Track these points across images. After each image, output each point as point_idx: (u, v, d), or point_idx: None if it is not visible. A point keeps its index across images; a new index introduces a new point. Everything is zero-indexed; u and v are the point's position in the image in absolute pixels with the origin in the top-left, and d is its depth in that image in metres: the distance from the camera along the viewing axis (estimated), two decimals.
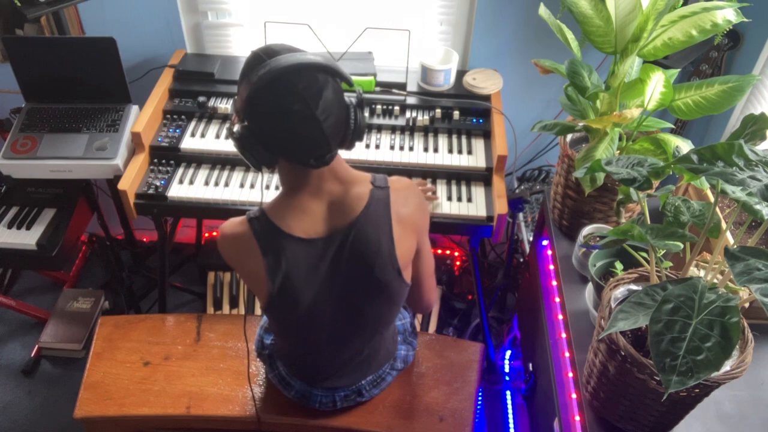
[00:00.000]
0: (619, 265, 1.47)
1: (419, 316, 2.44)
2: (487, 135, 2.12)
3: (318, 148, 1.23)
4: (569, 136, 1.74)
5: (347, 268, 1.35)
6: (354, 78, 2.06)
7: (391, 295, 1.41)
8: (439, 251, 2.78)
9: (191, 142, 2.05)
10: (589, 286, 1.54)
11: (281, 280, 1.33)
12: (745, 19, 1.39)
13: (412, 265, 1.45)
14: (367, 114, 2.10)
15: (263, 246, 1.31)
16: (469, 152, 2.07)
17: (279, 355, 1.62)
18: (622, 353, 1.15)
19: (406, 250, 1.38)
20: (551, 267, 1.77)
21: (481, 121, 2.14)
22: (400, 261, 1.36)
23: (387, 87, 2.15)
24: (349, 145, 1.30)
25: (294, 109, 1.17)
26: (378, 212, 1.33)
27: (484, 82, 2.20)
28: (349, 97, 1.27)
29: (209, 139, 2.07)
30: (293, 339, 1.53)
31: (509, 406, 2.29)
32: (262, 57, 1.19)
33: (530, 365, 2.00)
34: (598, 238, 1.62)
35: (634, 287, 1.30)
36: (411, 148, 2.07)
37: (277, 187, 2.01)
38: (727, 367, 1.11)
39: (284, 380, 1.62)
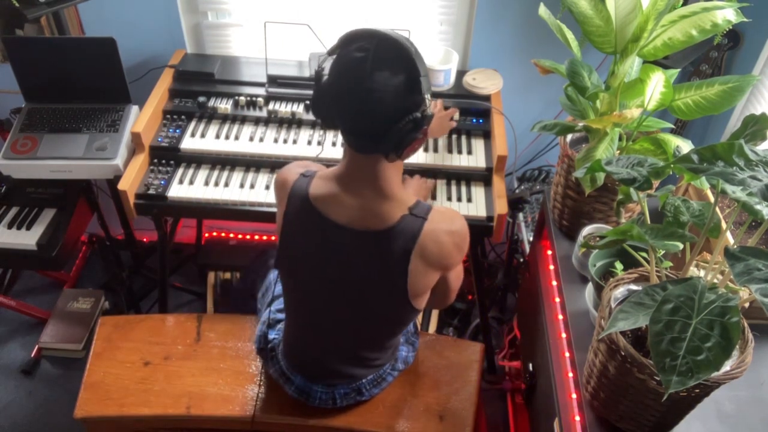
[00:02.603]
0: (619, 265, 1.47)
1: (420, 316, 2.44)
2: (487, 135, 2.12)
3: (349, 125, 1.22)
4: (569, 136, 1.73)
5: (351, 265, 1.35)
6: None
7: (396, 314, 1.42)
8: None
9: (191, 142, 2.05)
10: (589, 286, 1.54)
11: (288, 238, 1.38)
12: (745, 19, 1.39)
13: (439, 281, 1.42)
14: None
15: (290, 200, 1.36)
16: (469, 152, 2.07)
17: (284, 347, 1.63)
18: (622, 353, 1.15)
19: (421, 284, 1.35)
20: (551, 267, 1.77)
21: (481, 121, 2.14)
22: (410, 292, 1.34)
23: None
24: (385, 149, 1.21)
25: (352, 72, 1.15)
26: (398, 240, 1.29)
27: (484, 82, 2.20)
28: (414, 111, 1.19)
29: (209, 139, 2.07)
30: (297, 314, 1.54)
31: (509, 406, 2.29)
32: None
33: (530, 365, 1.99)
34: (598, 238, 1.61)
35: (634, 287, 1.30)
36: None
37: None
38: (727, 367, 1.11)
39: (285, 375, 1.62)
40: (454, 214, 1.37)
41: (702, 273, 1.34)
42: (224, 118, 2.14)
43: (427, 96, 1.20)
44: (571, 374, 1.48)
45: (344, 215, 1.31)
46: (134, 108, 2.15)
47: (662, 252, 1.30)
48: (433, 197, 1.99)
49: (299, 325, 1.55)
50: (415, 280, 1.33)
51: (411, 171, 2.04)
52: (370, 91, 1.14)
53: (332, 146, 2.06)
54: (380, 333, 1.51)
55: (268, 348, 1.66)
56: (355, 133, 1.23)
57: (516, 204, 2.24)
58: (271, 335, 1.66)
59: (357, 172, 1.29)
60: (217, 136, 2.08)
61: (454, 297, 1.56)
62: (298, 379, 1.60)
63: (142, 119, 2.02)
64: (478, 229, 1.94)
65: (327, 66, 1.23)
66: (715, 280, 1.17)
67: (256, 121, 2.14)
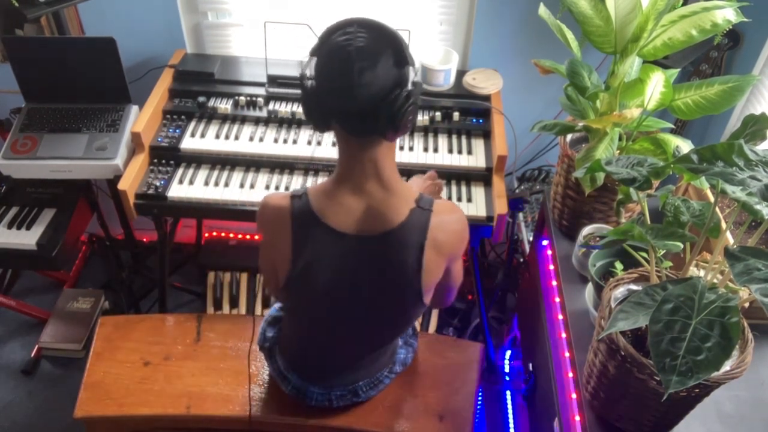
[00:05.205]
0: (619, 265, 1.47)
1: (419, 317, 2.44)
2: (487, 135, 2.12)
3: (344, 109, 1.19)
4: (569, 136, 1.73)
5: (369, 274, 1.34)
6: None
7: (406, 312, 1.42)
8: None
9: (191, 142, 2.05)
10: (589, 286, 1.54)
11: (303, 263, 1.33)
12: (745, 19, 1.39)
13: (441, 278, 1.42)
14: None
15: (295, 225, 1.32)
16: (469, 152, 2.07)
17: (281, 345, 1.62)
18: (622, 353, 1.15)
19: (433, 275, 1.36)
20: (551, 267, 1.77)
21: (481, 121, 2.14)
22: (424, 286, 1.34)
23: None
24: (382, 126, 1.21)
25: (340, 55, 1.15)
26: (412, 234, 1.30)
27: (484, 82, 2.20)
28: (404, 83, 1.20)
29: (209, 139, 2.07)
30: (302, 324, 1.52)
31: (509, 406, 2.29)
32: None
33: (530, 365, 1.99)
34: (598, 238, 1.61)
35: (634, 287, 1.30)
36: (411, 148, 2.07)
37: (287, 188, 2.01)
38: (727, 367, 1.11)
39: (282, 374, 1.62)
40: (452, 203, 1.40)
41: (702, 273, 1.34)
42: (224, 118, 2.14)
43: (413, 68, 1.22)
44: (571, 374, 1.48)
45: (353, 223, 1.30)
46: (134, 108, 2.15)
47: (662, 252, 1.30)
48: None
49: (300, 329, 1.55)
50: (428, 273, 1.33)
51: (411, 171, 2.04)
52: (361, 70, 1.15)
53: (332, 146, 2.06)
54: (386, 335, 1.51)
55: (266, 346, 1.66)
56: (351, 115, 1.21)
57: (516, 204, 2.24)
58: (270, 333, 1.66)
59: (357, 164, 1.27)
60: (217, 136, 2.08)
61: (455, 295, 1.55)
62: (295, 378, 1.60)
63: (142, 119, 2.02)
64: (478, 229, 1.94)
65: (311, 67, 1.23)
66: (715, 280, 1.17)
67: (256, 121, 2.14)
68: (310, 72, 1.23)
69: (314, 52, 1.22)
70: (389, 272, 1.33)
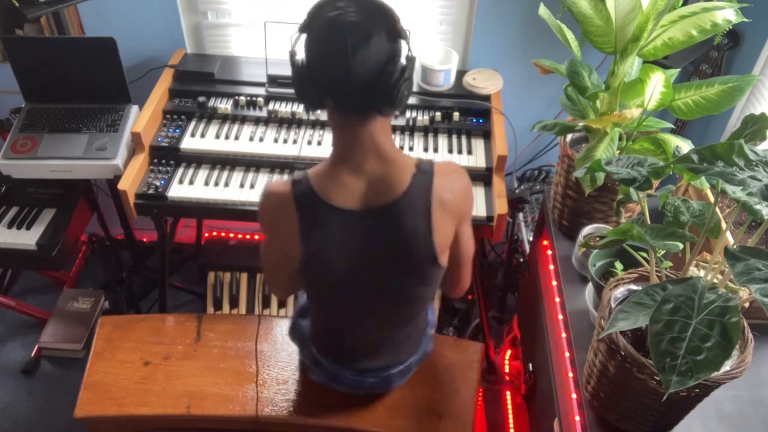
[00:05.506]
0: (619, 265, 1.48)
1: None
2: (487, 135, 2.12)
3: (338, 86, 1.18)
4: (569, 136, 1.74)
5: (381, 246, 1.34)
6: None
7: (425, 278, 1.40)
8: None
9: (191, 142, 2.06)
10: (589, 286, 1.54)
11: (315, 246, 1.32)
12: (745, 19, 1.39)
13: (451, 250, 1.42)
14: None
15: (300, 209, 1.31)
16: (469, 152, 2.07)
17: (312, 332, 1.61)
18: (622, 353, 1.15)
19: (444, 236, 1.35)
20: (551, 267, 1.77)
21: (481, 121, 2.14)
22: (437, 247, 1.33)
23: None
24: (379, 101, 1.19)
25: (333, 31, 1.14)
26: (418, 198, 1.30)
27: (484, 82, 2.20)
28: (398, 57, 1.20)
29: (209, 139, 2.07)
30: (326, 307, 1.51)
31: (509, 406, 2.29)
32: None
33: (530, 365, 2.00)
34: (598, 238, 1.62)
35: (634, 287, 1.30)
36: (411, 148, 2.07)
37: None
38: (727, 367, 1.11)
39: (316, 361, 1.61)
40: (452, 162, 1.39)
41: (702, 273, 1.34)
42: (224, 118, 2.14)
43: (406, 42, 1.21)
44: (571, 374, 1.48)
45: (359, 199, 1.30)
46: (134, 108, 2.15)
47: (662, 252, 1.30)
48: None
49: (324, 314, 1.54)
50: (439, 234, 1.33)
51: None
52: (355, 45, 1.13)
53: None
54: (407, 309, 1.49)
55: (298, 336, 1.65)
56: (347, 92, 1.19)
57: (516, 204, 2.24)
58: (303, 323, 1.65)
59: (355, 143, 1.26)
60: (217, 136, 2.08)
61: (469, 277, 1.53)
62: (329, 363, 1.59)
63: (142, 119, 2.02)
64: (478, 229, 1.94)
65: (301, 44, 1.21)
66: (715, 280, 1.17)
67: (256, 121, 2.14)
68: (300, 49, 1.21)
69: (304, 28, 1.20)
70: (401, 241, 1.32)
